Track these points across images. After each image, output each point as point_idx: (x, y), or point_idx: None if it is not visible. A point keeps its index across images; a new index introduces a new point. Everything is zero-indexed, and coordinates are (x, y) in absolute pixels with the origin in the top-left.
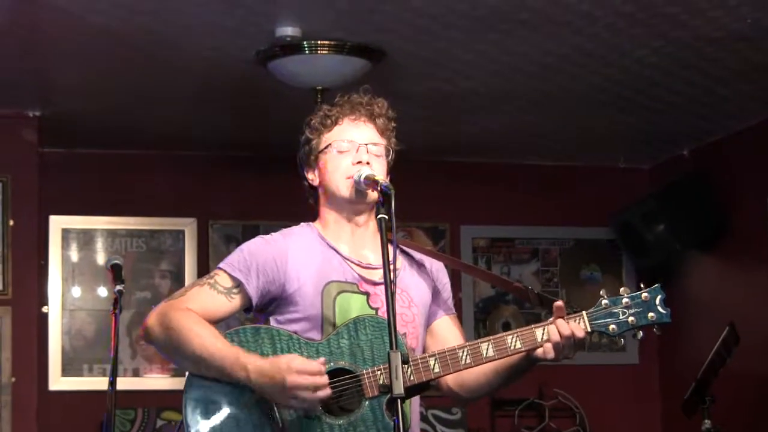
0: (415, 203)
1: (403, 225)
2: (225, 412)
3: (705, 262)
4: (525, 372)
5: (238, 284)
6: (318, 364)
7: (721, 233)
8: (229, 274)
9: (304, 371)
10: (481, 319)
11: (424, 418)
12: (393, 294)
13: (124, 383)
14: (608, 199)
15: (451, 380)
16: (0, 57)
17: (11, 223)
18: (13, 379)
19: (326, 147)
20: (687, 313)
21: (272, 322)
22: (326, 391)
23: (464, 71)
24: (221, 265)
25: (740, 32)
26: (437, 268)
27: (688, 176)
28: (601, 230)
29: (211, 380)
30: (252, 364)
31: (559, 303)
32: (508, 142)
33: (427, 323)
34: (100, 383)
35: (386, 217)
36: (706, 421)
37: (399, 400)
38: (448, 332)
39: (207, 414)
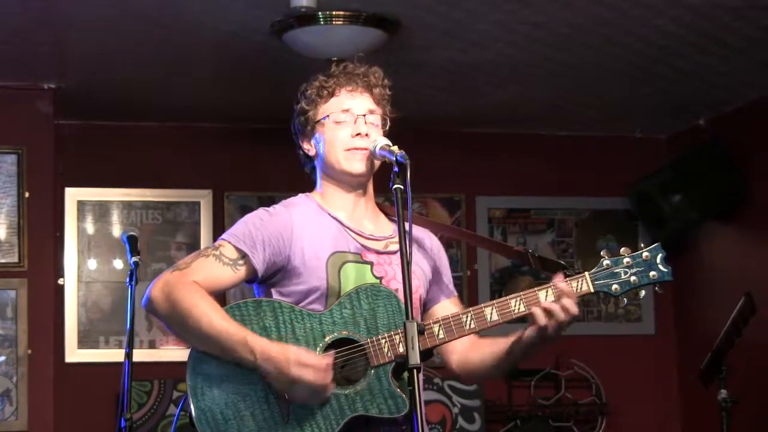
0: (431, 174)
1: (418, 196)
2: (229, 386)
3: (722, 232)
4: (522, 358)
5: (244, 256)
6: (325, 361)
7: (738, 203)
8: (235, 246)
9: (311, 365)
10: (497, 290)
11: (440, 389)
12: (409, 264)
13: (140, 355)
14: (625, 169)
15: (455, 361)
16: (16, 29)
17: (27, 195)
18: (30, 351)
19: (323, 118)
20: (704, 283)
21: (274, 293)
22: (329, 388)
23: (480, 41)
24: (226, 236)
25: (758, 0)
26: (437, 247)
27: (705, 146)
28: (618, 200)
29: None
30: (260, 348)
31: (560, 278)
32: (524, 112)
33: (429, 303)
34: (116, 355)
35: (401, 187)
36: (723, 390)
37: (415, 371)
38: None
39: (211, 388)
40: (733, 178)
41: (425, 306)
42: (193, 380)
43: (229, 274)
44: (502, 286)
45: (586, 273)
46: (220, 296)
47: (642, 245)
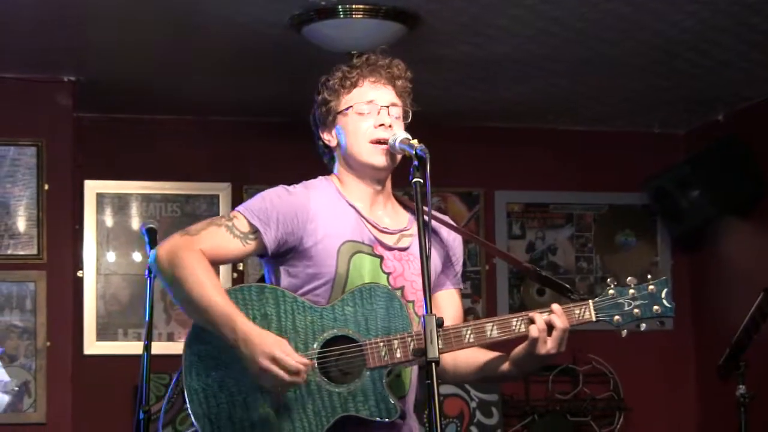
0: (450, 168)
1: (436, 190)
2: (224, 370)
3: (740, 228)
4: (498, 380)
5: (255, 231)
6: (305, 365)
7: (757, 198)
8: (248, 220)
9: (284, 364)
10: (516, 284)
11: (458, 383)
12: (428, 258)
13: (158, 348)
14: (643, 164)
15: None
16: (36, 22)
17: (46, 187)
18: (48, 344)
19: (346, 109)
20: (722, 278)
21: (282, 271)
22: (298, 379)
23: (499, 36)
24: (241, 209)
25: None
26: (454, 238)
27: (724, 141)
28: (636, 196)
29: (214, 336)
30: (241, 330)
31: (556, 306)
32: (543, 107)
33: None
34: (134, 348)
35: (421, 181)
36: (741, 386)
37: (434, 364)
38: (449, 305)
39: (206, 370)
40: (751, 173)
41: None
42: (188, 359)
43: (238, 246)
44: (520, 281)
45: (590, 301)
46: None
47: (649, 277)
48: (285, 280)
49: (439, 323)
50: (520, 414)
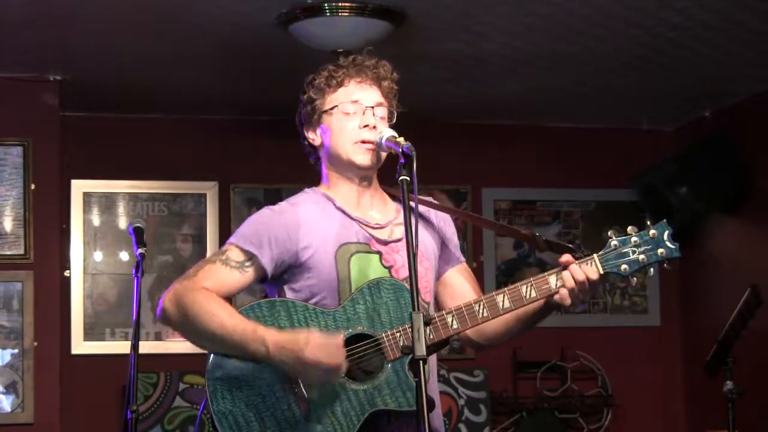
0: (437, 165)
1: (424, 187)
2: (248, 388)
3: (728, 224)
4: (543, 318)
5: (251, 257)
6: (337, 341)
7: (744, 194)
8: (241, 248)
9: (324, 345)
10: (503, 281)
11: (446, 381)
12: (415, 256)
13: (146, 347)
14: (631, 161)
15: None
16: (21, 21)
17: (33, 187)
18: (36, 344)
19: (331, 108)
20: (709, 274)
21: (287, 290)
22: (343, 367)
23: (486, 33)
24: (232, 239)
25: None
26: (441, 218)
27: (711, 138)
28: (624, 192)
29: (232, 358)
30: (271, 338)
31: (566, 258)
32: (531, 103)
33: (438, 275)
34: (122, 347)
35: (408, 178)
36: (728, 382)
37: (421, 362)
38: (461, 282)
39: (230, 391)
40: (738, 169)
41: (436, 278)
42: (212, 385)
43: (237, 277)
44: (508, 278)
45: (595, 255)
46: (229, 300)
47: (648, 223)
48: (291, 297)
49: (426, 321)
50: (509, 411)
